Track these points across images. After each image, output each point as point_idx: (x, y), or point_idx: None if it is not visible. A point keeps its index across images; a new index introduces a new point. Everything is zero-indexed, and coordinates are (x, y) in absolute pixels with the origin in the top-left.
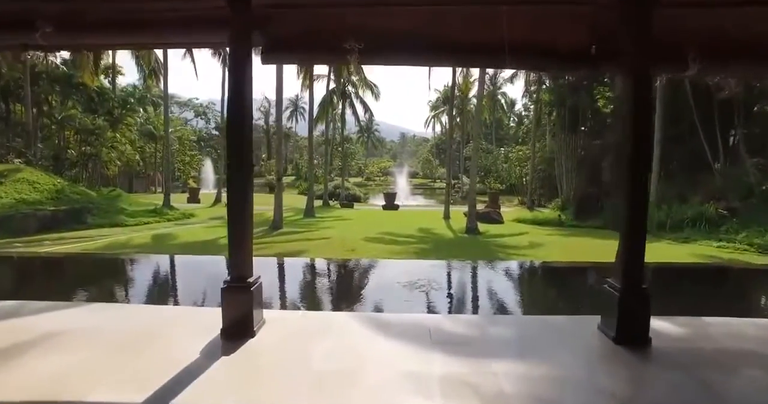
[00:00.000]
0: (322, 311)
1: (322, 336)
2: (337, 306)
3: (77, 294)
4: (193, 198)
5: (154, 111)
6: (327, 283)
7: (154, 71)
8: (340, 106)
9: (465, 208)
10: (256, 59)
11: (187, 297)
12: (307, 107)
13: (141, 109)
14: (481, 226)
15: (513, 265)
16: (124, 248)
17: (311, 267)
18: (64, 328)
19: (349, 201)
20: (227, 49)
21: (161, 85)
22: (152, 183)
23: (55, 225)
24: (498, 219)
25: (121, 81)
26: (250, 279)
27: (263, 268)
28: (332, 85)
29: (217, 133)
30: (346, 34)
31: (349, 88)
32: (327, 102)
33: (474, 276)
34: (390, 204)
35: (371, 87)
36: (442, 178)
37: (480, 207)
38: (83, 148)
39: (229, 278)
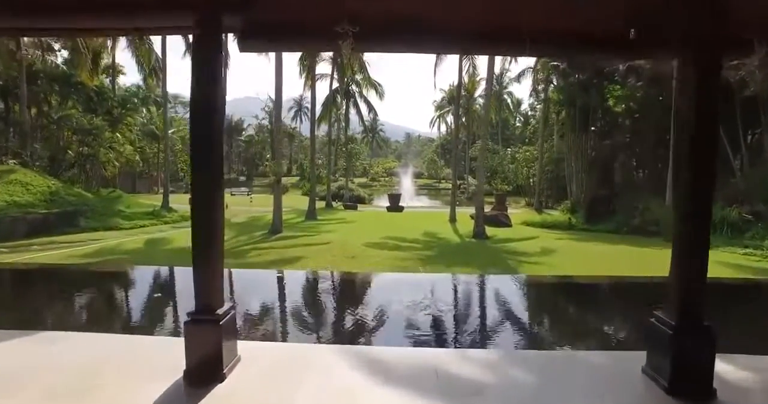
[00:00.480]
0: (307, 343)
1: (306, 378)
2: (325, 334)
3: (29, 318)
4: None
5: (157, 111)
6: (316, 303)
7: (154, 70)
8: (344, 106)
9: (471, 210)
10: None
11: (161, 321)
12: (309, 106)
13: (144, 109)
14: (489, 230)
15: (529, 280)
16: (113, 254)
17: (302, 282)
18: None
19: (353, 202)
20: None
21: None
22: (155, 183)
23: (45, 228)
24: (506, 223)
25: (125, 81)
26: (220, 311)
27: (248, 282)
28: (336, 85)
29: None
30: (339, 16)
31: (353, 87)
32: (330, 101)
33: (486, 292)
34: (394, 205)
35: (375, 86)
36: (447, 178)
37: (486, 208)
38: (81, 149)
39: (193, 309)
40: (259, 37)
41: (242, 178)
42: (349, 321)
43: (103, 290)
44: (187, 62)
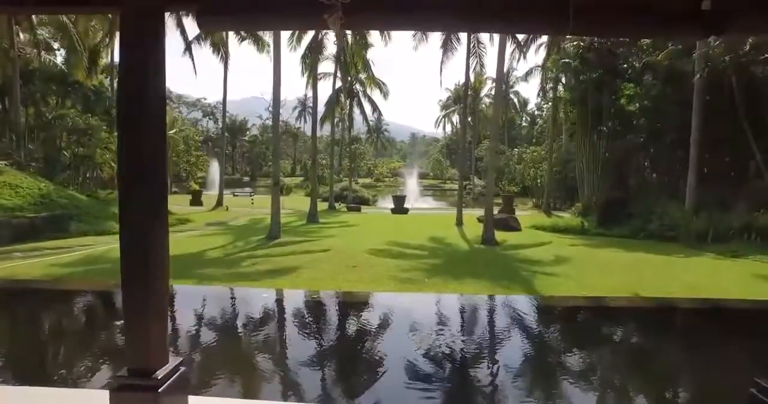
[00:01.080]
0: (279, 402)
1: None
2: (304, 385)
3: None
4: (196, 200)
5: None
6: (299, 337)
7: None
8: (348, 105)
9: (477, 212)
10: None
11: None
12: (312, 106)
13: None
14: (498, 234)
15: (551, 302)
16: (99, 263)
17: (291, 304)
18: None
19: (357, 204)
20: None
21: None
22: None
23: (33, 233)
24: (515, 227)
25: None
26: (161, 371)
27: (232, 302)
28: (339, 84)
29: (226, 133)
30: None
31: (357, 86)
32: (333, 101)
33: (503, 319)
34: (399, 207)
35: (379, 85)
36: (452, 178)
37: (496, 208)
38: (77, 150)
39: (125, 370)
40: (222, 12)
41: (246, 179)
42: (335, 366)
43: (61, 317)
44: (187, 61)
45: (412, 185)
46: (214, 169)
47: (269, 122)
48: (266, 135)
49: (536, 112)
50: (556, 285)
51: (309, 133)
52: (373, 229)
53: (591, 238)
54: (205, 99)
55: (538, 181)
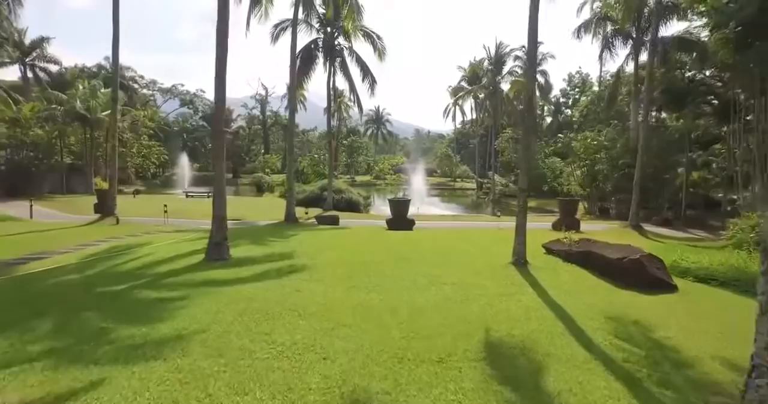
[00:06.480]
0: None
1: None
2: None
3: None
4: (103, 205)
5: (89, 85)
6: None
7: None
8: (328, 68)
9: (504, 224)
10: None
11: None
12: (307, 95)
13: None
14: (648, 312)
15: None
16: None
17: None
18: None
19: (342, 209)
20: None
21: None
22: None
23: None
24: (662, 279)
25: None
26: None
27: None
28: (309, 38)
29: (204, 123)
30: None
31: (341, 41)
32: (303, 60)
33: None
34: (399, 219)
35: (371, 36)
36: (462, 176)
37: (535, 217)
38: None
39: None
40: None
41: (229, 175)
42: None
43: None
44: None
45: (417, 183)
46: (184, 163)
47: (256, 111)
48: (254, 127)
49: (561, 100)
50: None
51: (302, 124)
52: (324, 297)
53: None
54: (182, 85)
55: (599, 179)
